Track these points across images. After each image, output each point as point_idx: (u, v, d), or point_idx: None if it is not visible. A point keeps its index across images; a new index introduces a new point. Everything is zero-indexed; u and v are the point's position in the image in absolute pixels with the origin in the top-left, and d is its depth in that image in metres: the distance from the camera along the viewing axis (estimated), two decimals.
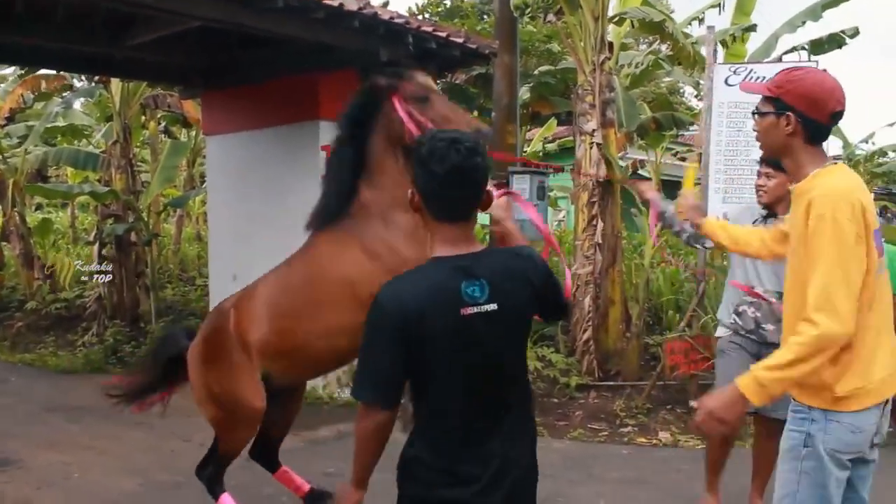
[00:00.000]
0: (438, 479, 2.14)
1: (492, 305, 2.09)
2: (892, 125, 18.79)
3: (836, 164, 2.52)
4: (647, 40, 18.10)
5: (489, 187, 2.23)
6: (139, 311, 10.03)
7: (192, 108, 11.46)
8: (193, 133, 13.84)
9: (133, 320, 9.88)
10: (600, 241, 7.47)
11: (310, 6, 5.75)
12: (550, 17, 8.92)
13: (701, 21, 9.78)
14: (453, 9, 12.03)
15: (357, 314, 3.11)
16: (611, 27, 8.53)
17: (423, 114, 3.36)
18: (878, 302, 2.45)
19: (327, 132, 7.06)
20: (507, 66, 7.75)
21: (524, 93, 10.62)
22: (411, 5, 11.87)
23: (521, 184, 6.94)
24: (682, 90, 23.38)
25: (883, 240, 2.57)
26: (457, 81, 10.44)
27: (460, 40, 6.93)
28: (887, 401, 2.51)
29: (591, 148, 7.41)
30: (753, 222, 4.15)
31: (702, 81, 7.55)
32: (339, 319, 3.43)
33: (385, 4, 10.44)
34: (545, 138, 14.42)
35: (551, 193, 12.75)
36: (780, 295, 3.78)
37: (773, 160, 3.98)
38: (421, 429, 2.21)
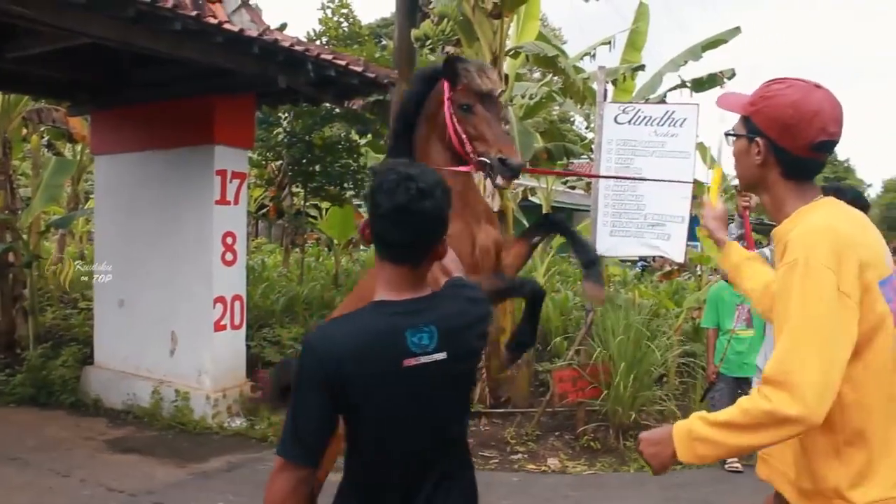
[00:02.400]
0: None
1: (440, 355, 1.87)
2: None
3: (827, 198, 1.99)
4: (540, 70, 18.58)
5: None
6: (16, 336, 9.50)
7: (78, 123, 11.03)
8: (79, 149, 13.29)
9: (8, 346, 9.35)
10: None
11: (208, 30, 5.69)
12: (449, 48, 9.05)
13: (593, 57, 10.18)
14: (351, 34, 12.03)
15: None
16: (508, 60, 8.77)
17: (462, 123, 3.22)
18: None
19: (223, 157, 6.99)
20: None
21: None
22: (309, 30, 11.80)
23: None
24: (572, 119, 24.08)
25: None
26: (354, 107, 10.47)
27: (359, 69, 6.98)
28: None
29: (485, 178, 7.53)
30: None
31: (591, 114, 7.83)
32: None
33: (283, 28, 10.36)
34: None
35: None
36: None
37: (828, 190, 3.61)
38: (352, 485, 1.98)
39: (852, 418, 1.82)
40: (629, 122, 6.52)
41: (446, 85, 3.25)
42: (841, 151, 45.20)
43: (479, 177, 3.79)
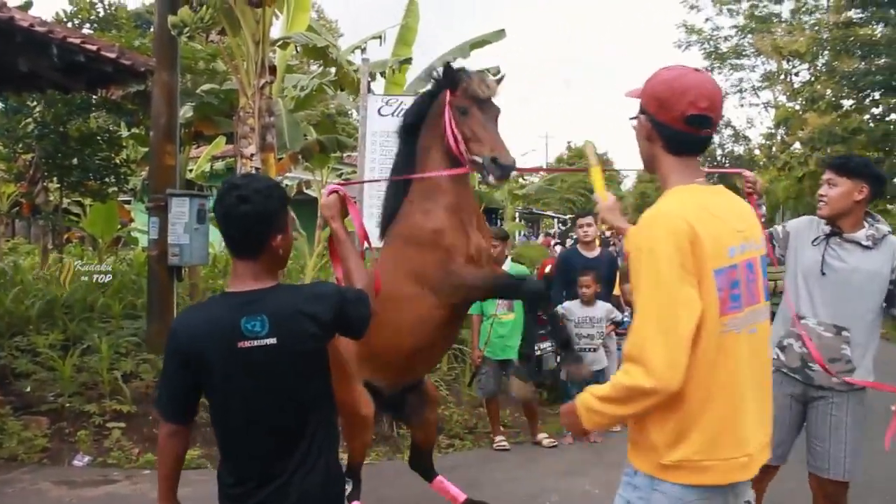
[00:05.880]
0: (234, 496, 2.35)
1: (271, 340, 2.25)
2: (525, 154, 21.89)
3: (696, 184, 2.16)
4: (318, 63, 18.47)
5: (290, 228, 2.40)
6: None
7: None
8: None
9: None
10: None
11: None
12: (215, 36, 8.76)
13: (363, 50, 10.30)
14: (107, 17, 11.28)
15: (413, 306, 3.64)
16: (278, 50, 8.65)
17: (459, 125, 3.56)
18: (726, 366, 2.02)
19: None
20: (166, 84, 7.51)
21: (187, 111, 10.34)
22: (59, 10, 10.91)
23: (181, 206, 6.74)
24: (349, 112, 24.23)
25: (761, 286, 2.15)
26: (113, 97, 9.86)
27: (113, 55, 6.56)
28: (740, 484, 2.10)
29: (251, 171, 7.40)
30: (813, 241, 3.68)
31: None
32: (395, 319, 3.56)
33: (27, 7, 9.57)
34: (213, 157, 14.11)
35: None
36: (836, 329, 3.53)
37: (836, 162, 3.64)
38: (221, 451, 2.42)
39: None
40: (392, 114, 6.62)
41: (448, 91, 3.64)
42: (600, 146, 49.20)
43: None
